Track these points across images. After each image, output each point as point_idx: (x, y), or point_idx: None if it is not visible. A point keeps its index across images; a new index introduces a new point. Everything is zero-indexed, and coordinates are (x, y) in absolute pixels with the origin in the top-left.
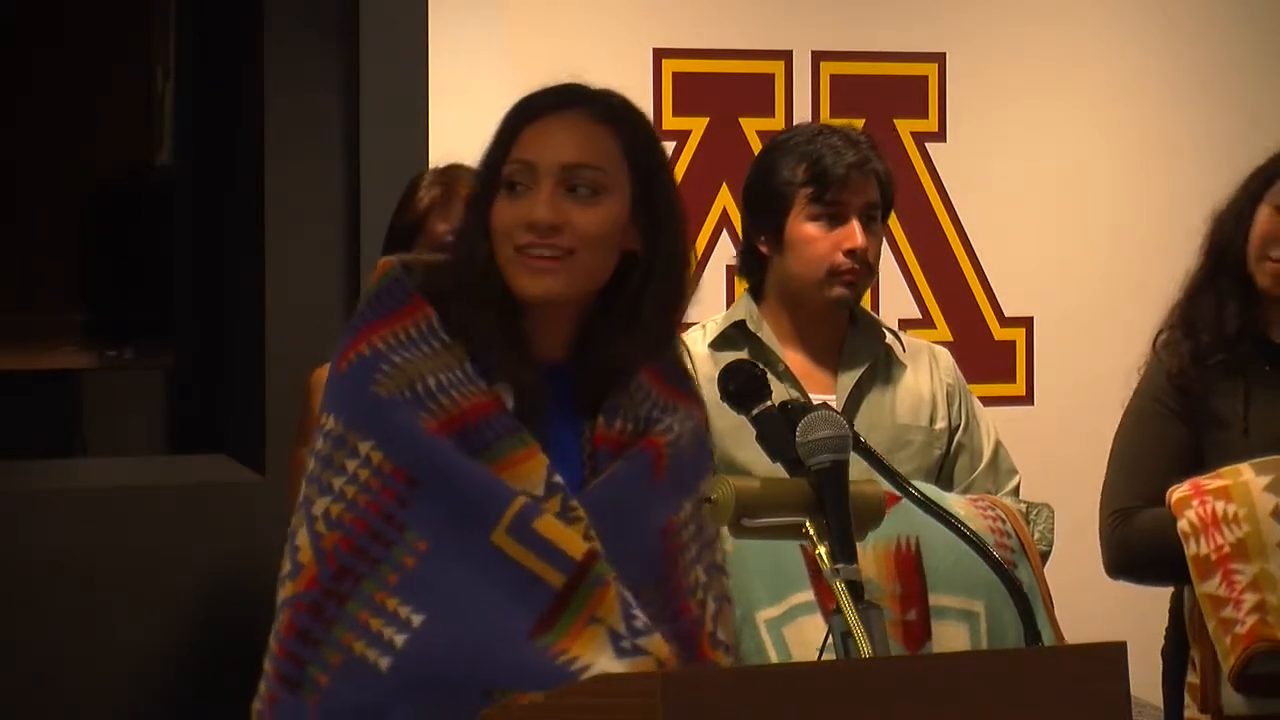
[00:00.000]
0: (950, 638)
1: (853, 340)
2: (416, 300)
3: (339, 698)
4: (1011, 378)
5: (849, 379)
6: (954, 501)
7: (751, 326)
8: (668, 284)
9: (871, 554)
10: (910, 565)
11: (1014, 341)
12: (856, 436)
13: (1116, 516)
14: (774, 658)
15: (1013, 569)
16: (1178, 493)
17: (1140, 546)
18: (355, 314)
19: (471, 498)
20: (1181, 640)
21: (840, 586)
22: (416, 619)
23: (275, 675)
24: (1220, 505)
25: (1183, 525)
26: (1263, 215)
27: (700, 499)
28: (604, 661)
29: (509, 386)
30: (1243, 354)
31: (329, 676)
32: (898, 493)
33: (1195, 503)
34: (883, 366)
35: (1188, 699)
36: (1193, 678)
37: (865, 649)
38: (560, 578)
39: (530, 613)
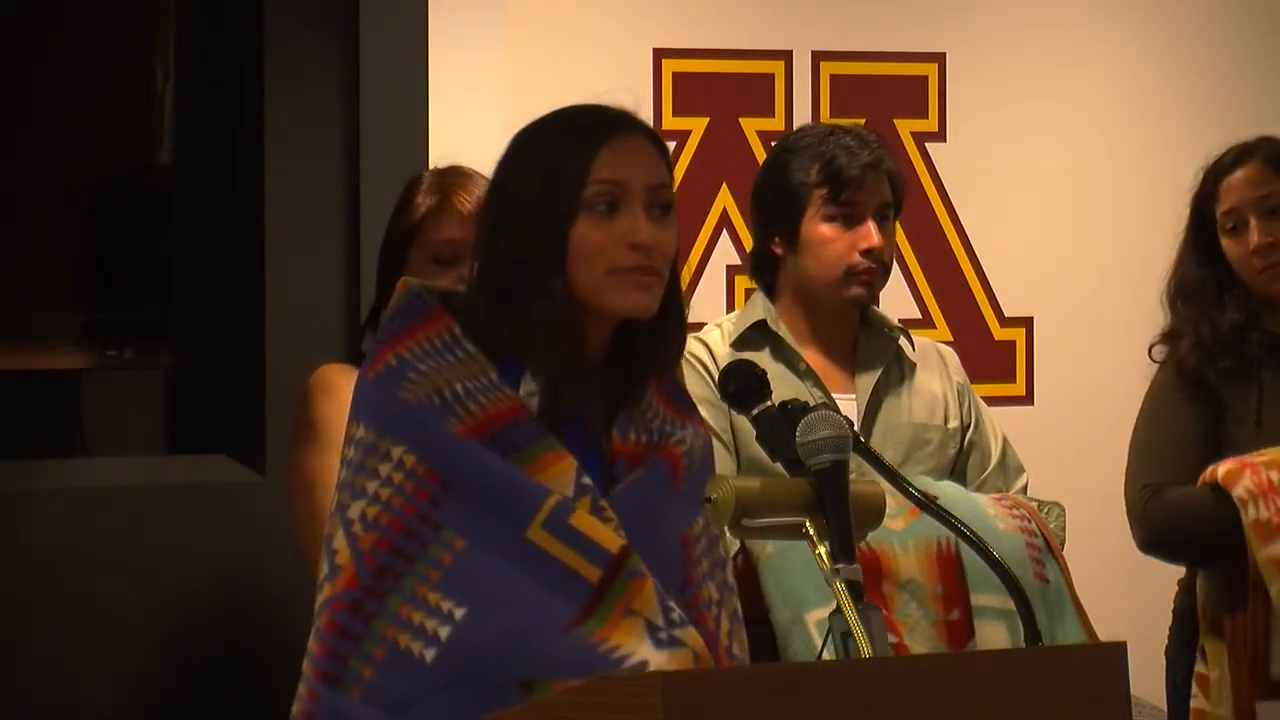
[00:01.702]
0: (990, 637)
1: (866, 340)
2: (437, 313)
3: (383, 690)
4: (1011, 378)
5: (867, 380)
6: (983, 502)
7: (772, 326)
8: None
9: (914, 554)
10: (951, 565)
11: (1014, 341)
12: (856, 437)
13: (1146, 491)
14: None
15: (1040, 568)
16: (1225, 467)
17: (1171, 522)
18: (379, 331)
19: (504, 496)
20: (1188, 636)
21: (840, 586)
22: (459, 612)
23: (316, 674)
24: (1275, 475)
25: (1239, 492)
26: (1229, 247)
27: None
28: (644, 651)
29: (534, 393)
30: (1253, 352)
31: (373, 669)
32: (899, 492)
33: (1248, 473)
34: (896, 367)
35: (1196, 689)
36: (1201, 668)
37: (865, 649)
38: (596, 572)
39: (568, 605)
